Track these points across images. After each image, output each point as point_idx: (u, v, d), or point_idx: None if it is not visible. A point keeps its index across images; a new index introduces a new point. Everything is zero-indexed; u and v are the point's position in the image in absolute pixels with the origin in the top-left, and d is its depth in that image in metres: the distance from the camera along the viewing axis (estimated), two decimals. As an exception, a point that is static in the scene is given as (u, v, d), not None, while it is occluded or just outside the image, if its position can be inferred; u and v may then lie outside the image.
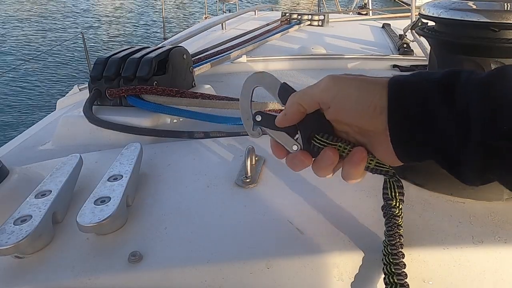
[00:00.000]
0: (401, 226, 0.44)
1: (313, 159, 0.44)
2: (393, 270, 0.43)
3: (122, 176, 0.56)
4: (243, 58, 1.32)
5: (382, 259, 0.44)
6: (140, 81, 0.83)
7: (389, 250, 0.43)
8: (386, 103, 0.37)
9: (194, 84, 0.99)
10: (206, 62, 1.25)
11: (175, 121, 0.85)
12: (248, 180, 0.59)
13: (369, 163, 0.42)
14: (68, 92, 1.25)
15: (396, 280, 0.42)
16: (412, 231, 0.49)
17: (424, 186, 0.57)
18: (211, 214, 0.53)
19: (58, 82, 6.91)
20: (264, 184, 0.59)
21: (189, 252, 0.47)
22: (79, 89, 1.18)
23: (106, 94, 0.85)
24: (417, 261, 0.46)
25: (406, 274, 0.42)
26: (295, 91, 0.45)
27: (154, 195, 0.58)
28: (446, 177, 0.54)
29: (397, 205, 0.44)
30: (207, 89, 0.99)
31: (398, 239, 0.44)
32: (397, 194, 0.44)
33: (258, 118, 0.47)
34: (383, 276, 0.43)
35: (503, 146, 0.32)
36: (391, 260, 0.43)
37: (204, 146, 0.72)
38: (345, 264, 0.46)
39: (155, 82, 0.85)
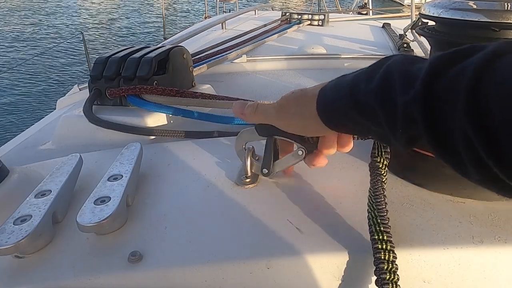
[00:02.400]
0: (385, 184, 0.48)
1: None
2: (378, 221, 0.45)
3: (122, 176, 0.56)
4: (243, 58, 1.32)
5: (367, 216, 0.46)
6: (140, 80, 0.83)
7: (374, 205, 0.46)
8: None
9: (194, 84, 0.99)
10: (206, 62, 1.25)
11: (175, 121, 0.85)
12: (248, 180, 0.59)
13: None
14: (68, 92, 1.25)
15: (382, 228, 0.44)
16: (412, 231, 0.49)
17: (424, 186, 0.57)
18: (211, 214, 0.53)
19: (58, 82, 6.91)
20: (264, 184, 0.59)
21: (189, 252, 0.47)
22: (79, 89, 1.18)
23: (106, 94, 0.85)
24: (417, 261, 0.46)
25: (389, 226, 0.45)
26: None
27: (154, 195, 0.58)
28: (446, 177, 0.55)
29: (383, 161, 0.49)
30: (207, 89, 0.99)
31: (381, 192, 0.47)
32: (383, 153, 0.50)
33: (265, 171, 0.58)
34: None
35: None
36: (376, 214, 0.45)
37: (204, 146, 0.72)
38: (345, 264, 0.46)
39: (155, 82, 0.85)
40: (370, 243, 0.47)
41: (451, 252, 0.46)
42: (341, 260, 0.46)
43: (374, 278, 0.46)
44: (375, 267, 0.43)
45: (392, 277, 0.42)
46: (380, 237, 0.44)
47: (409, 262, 0.46)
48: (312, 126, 0.48)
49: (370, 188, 0.48)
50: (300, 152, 0.54)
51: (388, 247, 0.43)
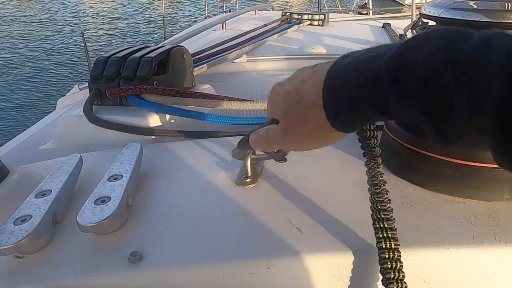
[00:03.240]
0: (381, 165, 0.44)
1: None
2: (379, 207, 0.44)
3: (122, 176, 0.56)
4: (243, 58, 1.32)
5: (370, 199, 0.45)
6: (140, 80, 0.83)
7: (373, 190, 0.44)
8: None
9: (194, 84, 0.99)
10: (206, 62, 1.25)
11: (175, 121, 0.85)
12: (248, 180, 0.59)
13: None
14: (68, 92, 1.25)
15: (382, 216, 0.43)
16: (412, 231, 0.49)
17: (424, 186, 0.57)
18: (211, 214, 0.53)
19: (58, 82, 6.91)
20: (264, 184, 0.59)
21: (189, 252, 0.47)
22: (79, 89, 1.18)
23: (106, 94, 0.85)
24: (417, 261, 0.46)
25: (392, 209, 0.43)
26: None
27: (154, 195, 0.58)
28: (446, 177, 0.55)
29: (375, 142, 0.44)
30: (207, 89, 0.98)
31: (380, 178, 0.44)
32: (374, 134, 0.44)
33: (281, 161, 0.56)
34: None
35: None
36: (376, 198, 0.44)
37: (204, 146, 0.72)
38: (345, 264, 0.46)
39: (155, 81, 0.85)
40: (370, 243, 0.47)
41: (451, 252, 0.46)
42: (341, 260, 0.46)
43: (375, 277, 0.46)
44: (380, 266, 0.42)
45: (397, 275, 0.41)
46: (384, 234, 0.43)
47: (409, 262, 0.46)
48: (326, 138, 0.41)
49: (367, 171, 0.45)
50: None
51: (393, 246, 0.42)
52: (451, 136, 0.31)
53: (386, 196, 0.44)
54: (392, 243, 0.42)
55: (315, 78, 0.39)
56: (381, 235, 0.43)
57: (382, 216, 0.43)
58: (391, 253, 0.42)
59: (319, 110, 0.37)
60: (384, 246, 0.42)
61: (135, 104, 0.82)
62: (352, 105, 0.35)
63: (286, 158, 0.57)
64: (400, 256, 0.42)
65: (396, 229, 0.43)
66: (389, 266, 0.41)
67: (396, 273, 0.41)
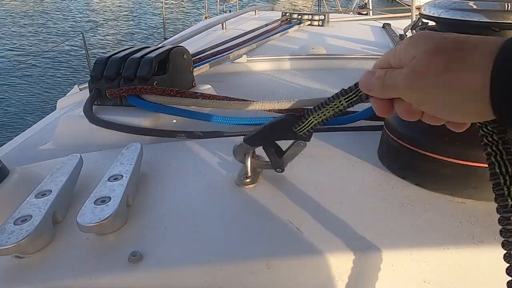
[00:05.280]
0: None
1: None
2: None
3: (122, 176, 0.56)
4: (243, 58, 1.32)
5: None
6: (140, 81, 0.83)
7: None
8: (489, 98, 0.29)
9: (194, 84, 0.99)
10: (206, 62, 1.25)
11: (175, 121, 0.85)
12: (248, 180, 0.59)
13: None
14: (68, 92, 1.25)
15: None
16: (412, 231, 0.49)
17: (424, 186, 0.57)
18: (211, 214, 0.53)
19: (58, 82, 6.91)
20: (264, 184, 0.59)
21: (189, 252, 0.47)
22: (80, 89, 1.18)
23: (106, 94, 0.85)
24: (417, 261, 0.46)
25: None
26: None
27: (154, 195, 0.58)
28: (446, 177, 0.55)
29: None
30: (207, 89, 0.99)
31: None
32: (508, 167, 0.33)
33: (279, 170, 0.59)
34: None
35: None
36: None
37: (204, 146, 0.72)
38: (345, 264, 0.46)
39: (155, 82, 0.85)
40: (370, 243, 0.47)
41: (451, 252, 0.46)
42: (341, 260, 0.46)
43: (375, 277, 0.46)
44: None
45: None
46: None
47: (409, 262, 0.46)
48: (466, 106, 0.31)
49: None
50: (300, 145, 0.55)
51: None
52: None
53: None
54: None
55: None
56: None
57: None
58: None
59: (483, 77, 0.29)
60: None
61: (135, 104, 0.82)
62: None
63: (283, 169, 0.58)
64: None
65: None
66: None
67: None
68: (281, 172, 0.59)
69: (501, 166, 0.34)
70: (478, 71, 0.29)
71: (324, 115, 0.45)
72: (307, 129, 0.49)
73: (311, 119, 0.47)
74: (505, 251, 0.35)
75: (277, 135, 0.54)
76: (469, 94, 0.30)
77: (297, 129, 0.50)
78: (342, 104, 0.43)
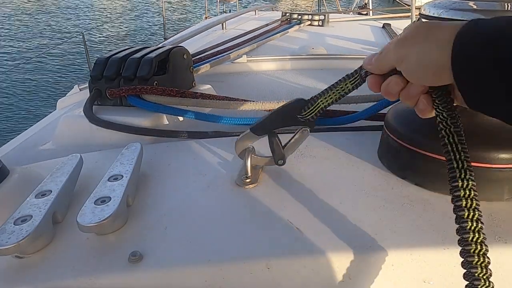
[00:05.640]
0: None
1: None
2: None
3: (122, 176, 0.56)
4: (243, 58, 1.32)
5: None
6: (140, 81, 0.83)
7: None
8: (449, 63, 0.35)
9: (194, 84, 0.99)
10: (206, 62, 1.25)
11: (175, 121, 0.85)
12: (248, 180, 0.59)
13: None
14: (68, 92, 1.25)
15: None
16: (412, 231, 0.49)
17: (424, 186, 0.57)
18: (211, 214, 0.53)
19: (58, 82, 6.91)
20: (264, 184, 0.59)
21: (189, 252, 0.47)
22: (80, 89, 1.18)
23: (106, 94, 0.85)
24: (417, 261, 0.46)
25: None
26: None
27: (154, 195, 0.58)
28: (446, 177, 0.55)
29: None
30: (207, 89, 0.99)
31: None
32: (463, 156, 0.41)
33: (281, 162, 0.59)
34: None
35: None
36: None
37: (204, 146, 0.72)
38: (345, 264, 0.46)
39: (155, 82, 0.85)
40: (370, 243, 0.47)
41: (451, 252, 0.46)
42: (341, 260, 0.46)
43: (373, 277, 0.46)
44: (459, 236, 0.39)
45: (482, 260, 0.38)
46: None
47: (409, 262, 0.46)
48: (434, 62, 0.37)
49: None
50: (305, 132, 0.56)
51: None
52: None
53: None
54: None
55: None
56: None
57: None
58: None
59: (446, 58, 0.35)
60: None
61: (135, 104, 0.82)
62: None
63: (285, 161, 0.58)
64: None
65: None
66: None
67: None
68: (283, 164, 0.59)
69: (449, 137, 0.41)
70: (445, 50, 0.35)
71: (331, 98, 0.50)
72: (315, 112, 0.52)
73: (319, 103, 0.51)
74: (461, 247, 0.39)
75: (285, 121, 0.55)
76: (438, 66, 0.36)
77: (306, 112, 0.52)
78: (347, 87, 0.48)
